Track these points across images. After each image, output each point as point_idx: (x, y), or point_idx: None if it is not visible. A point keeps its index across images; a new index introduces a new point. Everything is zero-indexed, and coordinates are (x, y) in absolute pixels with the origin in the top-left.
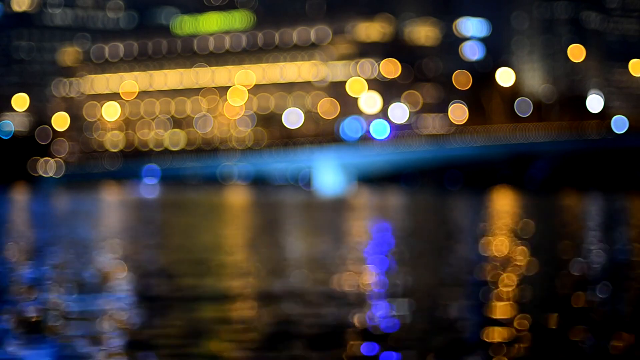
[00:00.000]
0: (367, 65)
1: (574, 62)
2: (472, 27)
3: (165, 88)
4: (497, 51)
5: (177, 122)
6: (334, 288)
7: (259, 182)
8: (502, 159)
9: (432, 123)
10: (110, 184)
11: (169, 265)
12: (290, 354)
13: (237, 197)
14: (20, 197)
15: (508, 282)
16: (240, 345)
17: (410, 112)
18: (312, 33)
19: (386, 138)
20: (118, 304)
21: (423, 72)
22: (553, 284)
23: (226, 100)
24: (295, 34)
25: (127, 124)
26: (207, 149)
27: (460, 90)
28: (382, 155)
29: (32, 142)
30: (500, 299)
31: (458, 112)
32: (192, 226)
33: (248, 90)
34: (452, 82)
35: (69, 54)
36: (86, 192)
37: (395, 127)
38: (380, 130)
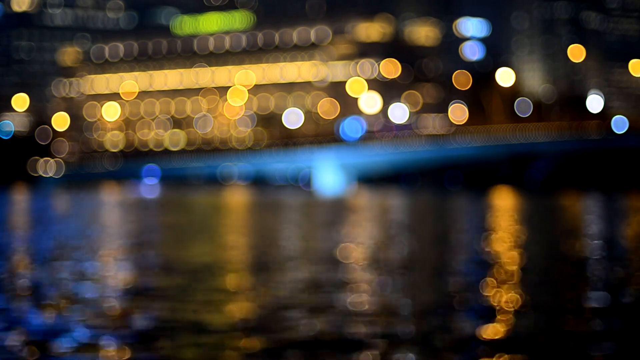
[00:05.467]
0: (367, 65)
1: (574, 62)
2: (472, 27)
3: (165, 88)
4: (497, 51)
5: (177, 122)
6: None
7: (259, 182)
8: (502, 159)
9: (432, 123)
10: (110, 184)
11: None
12: None
13: (237, 197)
14: (20, 197)
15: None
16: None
17: (410, 112)
18: (312, 33)
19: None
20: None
21: (423, 72)
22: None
23: (226, 100)
24: (295, 34)
25: (127, 124)
26: (207, 149)
27: (460, 90)
28: (382, 155)
29: (32, 142)
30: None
31: (458, 112)
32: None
33: (248, 90)
34: (452, 82)
35: (69, 54)
36: (86, 192)
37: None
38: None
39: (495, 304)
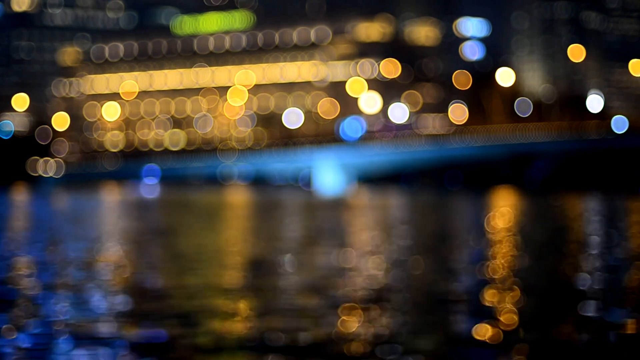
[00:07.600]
0: (367, 65)
1: (574, 62)
2: (472, 27)
3: (165, 88)
4: (497, 51)
5: (177, 122)
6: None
7: (259, 182)
8: (502, 159)
9: (432, 123)
10: (110, 184)
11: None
12: None
13: (237, 197)
14: (20, 197)
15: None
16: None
17: (410, 112)
18: (312, 33)
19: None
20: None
21: (423, 72)
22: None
23: (226, 100)
24: (295, 34)
25: (127, 124)
26: (207, 149)
27: (460, 90)
28: (382, 155)
29: (32, 142)
30: None
31: (458, 112)
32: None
33: (248, 90)
34: (452, 82)
35: (69, 54)
36: (86, 192)
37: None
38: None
39: (493, 305)
